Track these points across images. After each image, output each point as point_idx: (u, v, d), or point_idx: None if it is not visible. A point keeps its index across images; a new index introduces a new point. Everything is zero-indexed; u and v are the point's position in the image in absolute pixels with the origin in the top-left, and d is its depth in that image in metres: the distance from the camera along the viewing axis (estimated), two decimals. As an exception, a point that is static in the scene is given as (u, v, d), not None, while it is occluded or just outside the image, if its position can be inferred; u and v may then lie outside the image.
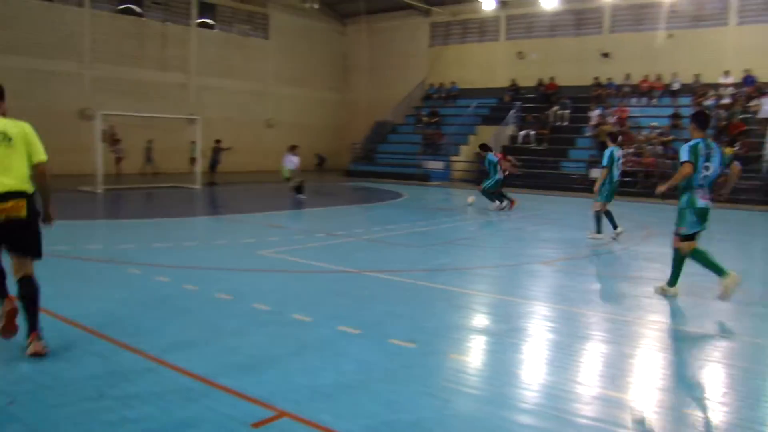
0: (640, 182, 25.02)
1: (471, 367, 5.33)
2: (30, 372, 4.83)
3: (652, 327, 6.73)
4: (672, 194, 7.83)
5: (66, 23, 28.21)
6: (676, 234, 7.82)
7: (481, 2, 33.41)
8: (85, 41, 28.90)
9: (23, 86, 26.51)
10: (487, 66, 35.27)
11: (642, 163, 25.29)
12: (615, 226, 12.81)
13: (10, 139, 5.72)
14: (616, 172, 12.65)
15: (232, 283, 8.02)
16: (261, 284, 8.07)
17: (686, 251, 7.74)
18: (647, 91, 29.38)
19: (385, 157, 33.41)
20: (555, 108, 30.93)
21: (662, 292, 8.00)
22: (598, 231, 12.80)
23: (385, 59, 38.71)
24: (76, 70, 28.68)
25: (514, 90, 33.63)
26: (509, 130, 31.88)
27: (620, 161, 12.77)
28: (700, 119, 7.89)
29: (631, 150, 25.97)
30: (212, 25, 34.28)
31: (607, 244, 12.28)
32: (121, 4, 30.36)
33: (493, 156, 18.69)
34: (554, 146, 29.38)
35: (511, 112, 31.86)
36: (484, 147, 19.69)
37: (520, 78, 33.65)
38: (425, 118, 34.52)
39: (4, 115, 6.09)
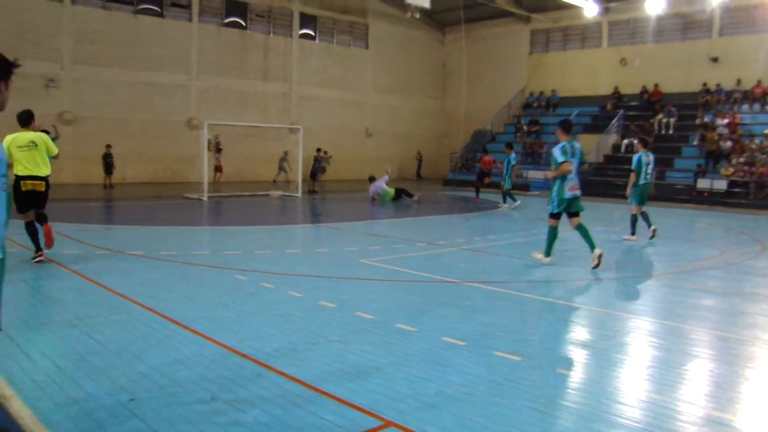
0: (752, 193, 23.93)
1: (576, 383, 5.19)
2: (149, 372, 5.01)
3: (771, 346, 6.40)
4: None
5: (176, 38, 29.41)
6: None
7: (582, 8, 32.77)
8: (193, 54, 30.01)
9: (136, 98, 27.86)
10: (588, 73, 34.56)
11: (754, 173, 24.15)
12: (649, 225, 13.74)
13: (36, 145, 9.71)
14: (643, 176, 13.65)
15: (334, 291, 8.11)
16: (363, 293, 8.13)
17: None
18: (761, 96, 28.05)
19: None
20: (660, 116, 29.96)
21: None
22: (633, 233, 13.80)
23: (485, 67, 38.50)
24: (184, 82, 29.81)
25: (617, 97, 32.84)
26: (612, 138, 31.11)
27: (649, 166, 13.76)
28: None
29: (742, 159, 24.90)
30: (313, 36, 34.95)
31: (718, 258, 11.78)
32: (227, 18, 31.35)
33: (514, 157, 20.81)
34: (659, 155, 28.40)
35: (614, 121, 31.05)
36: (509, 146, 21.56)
37: (623, 85, 32.83)
38: (525, 127, 34.11)
39: (33, 129, 9.87)
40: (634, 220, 13.89)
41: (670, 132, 29.42)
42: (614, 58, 33.56)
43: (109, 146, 24.88)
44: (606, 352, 5.94)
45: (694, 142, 27.51)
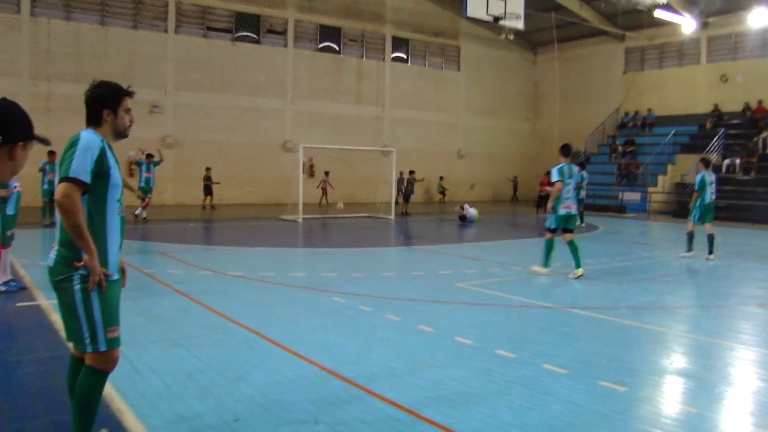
0: None
1: (684, 416, 4.97)
2: (252, 392, 5.12)
3: None
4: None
5: (272, 63, 30.26)
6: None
7: (680, 25, 31.90)
8: (288, 78, 30.77)
9: (233, 122, 28.78)
10: (686, 91, 33.53)
11: None
12: (690, 249, 14.30)
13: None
14: (708, 196, 13.88)
15: (432, 315, 8.09)
16: (461, 317, 8.08)
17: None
18: None
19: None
20: (764, 134, 28.72)
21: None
22: (689, 249, 14.25)
23: (578, 87, 37.93)
24: (280, 106, 30.56)
25: (717, 115, 31.69)
26: (712, 158, 30.03)
27: (713, 185, 14.05)
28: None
29: None
30: (405, 58, 35.28)
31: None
32: (321, 43, 32.02)
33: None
34: (763, 175, 27.27)
35: (714, 140, 29.97)
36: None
37: (723, 102, 31.68)
38: (620, 147, 33.35)
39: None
40: (691, 237, 14.34)
41: (776, 151, 28.20)
42: (714, 75, 32.47)
43: (208, 169, 25.72)
44: (714, 384, 5.70)
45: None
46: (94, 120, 3.84)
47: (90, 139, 3.68)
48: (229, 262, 12.49)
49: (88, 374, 3.78)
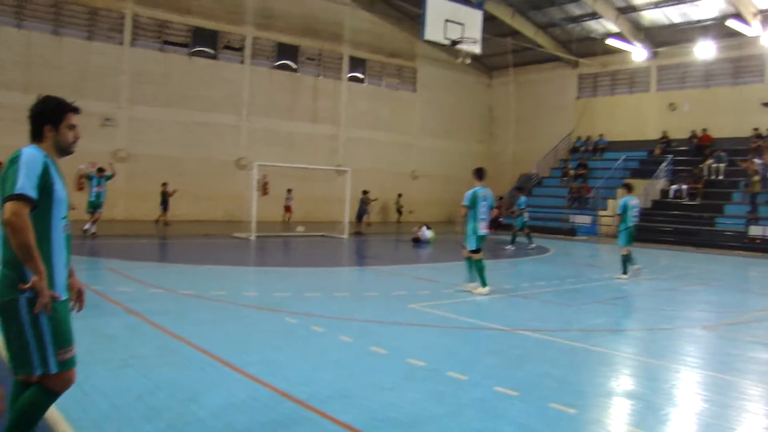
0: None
1: (636, 439, 5.09)
2: (204, 415, 5.05)
3: (836, 405, 6.20)
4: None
5: (228, 79, 30.15)
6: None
7: (631, 53, 32.74)
8: (244, 95, 30.67)
9: (188, 138, 28.56)
10: (636, 118, 34.35)
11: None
12: (633, 264, 14.82)
13: None
14: (630, 219, 14.57)
15: (385, 336, 8.11)
16: (414, 339, 8.11)
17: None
18: (814, 142, 27.51)
19: (530, 211, 32.90)
20: (709, 161, 29.55)
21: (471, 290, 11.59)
22: (624, 272, 14.71)
23: (532, 111, 38.56)
24: (235, 123, 30.42)
25: (666, 142, 32.51)
26: (660, 184, 30.77)
27: (635, 209, 14.84)
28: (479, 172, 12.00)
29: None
30: (362, 78, 35.44)
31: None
32: (278, 60, 32.01)
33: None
34: (708, 201, 28.02)
35: (662, 166, 30.72)
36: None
37: (671, 130, 32.55)
38: (572, 171, 33.93)
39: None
40: (625, 260, 14.76)
41: (720, 177, 28.98)
42: (663, 103, 33.31)
43: (165, 184, 25.44)
44: (661, 405, 5.82)
45: (743, 188, 26.99)
46: (36, 136, 3.75)
47: (32, 154, 3.58)
48: (181, 280, 12.35)
49: (39, 392, 3.69)
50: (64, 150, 3.86)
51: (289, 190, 29.34)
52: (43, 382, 3.67)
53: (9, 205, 3.40)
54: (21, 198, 3.41)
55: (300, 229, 23.50)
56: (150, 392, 5.54)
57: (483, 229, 11.70)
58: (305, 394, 5.63)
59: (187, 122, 28.89)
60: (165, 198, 25.38)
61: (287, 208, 29.21)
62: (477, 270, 11.73)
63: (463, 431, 4.94)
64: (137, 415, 4.98)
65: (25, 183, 3.45)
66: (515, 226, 23.26)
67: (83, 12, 26.48)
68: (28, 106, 3.84)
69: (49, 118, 3.76)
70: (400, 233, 25.44)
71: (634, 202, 14.92)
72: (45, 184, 3.59)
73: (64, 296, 3.77)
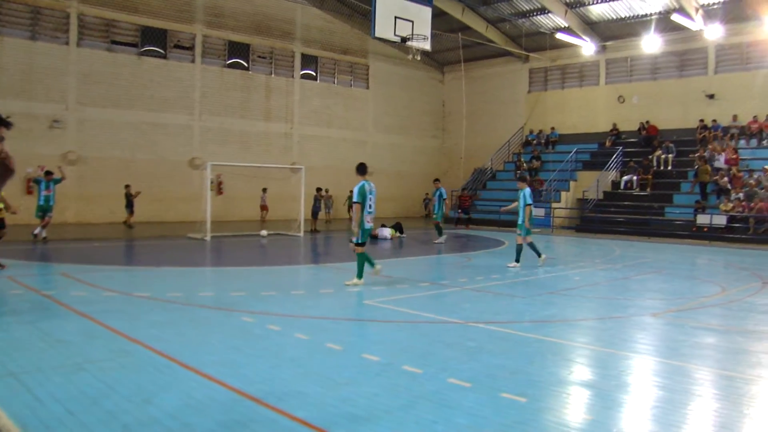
0: (752, 228, 24.07)
1: (583, 425, 5.21)
2: (160, 416, 5.06)
3: (776, 386, 6.46)
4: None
5: (179, 79, 29.84)
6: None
7: (580, 47, 33.28)
8: (196, 94, 30.40)
9: (140, 138, 28.24)
10: (587, 111, 34.98)
11: (753, 208, 24.30)
12: (539, 254, 15.86)
13: None
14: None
15: (340, 333, 8.18)
16: (369, 334, 8.20)
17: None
18: (757, 132, 28.31)
19: (484, 204, 33.35)
20: (658, 152, 30.21)
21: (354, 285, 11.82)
22: (517, 261, 15.52)
23: (484, 106, 38.94)
24: (187, 122, 30.13)
25: (616, 134, 33.13)
26: (611, 175, 31.35)
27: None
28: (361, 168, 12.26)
29: (741, 195, 25.07)
30: (314, 76, 35.38)
31: (720, 295, 11.87)
32: (230, 59, 31.79)
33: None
34: (658, 191, 28.66)
35: (613, 157, 31.31)
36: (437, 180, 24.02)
37: (621, 122, 33.20)
38: (525, 164, 34.36)
39: None
40: (520, 250, 15.71)
41: (669, 168, 29.66)
42: (612, 96, 33.97)
43: (127, 186, 25.20)
44: (610, 392, 6.00)
45: (691, 178, 27.64)
46: None
47: None
48: (136, 283, 12.24)
49: None
50: None
51: (264, 189, 29.06)
52: None
53: None
54: None
55: (264, 233, 23.29)
56: (105, 395, 5.52)
57: (369, 222, 12.16)
58: (262, 392, 5.67)
59: (139, 123, 28.54)
60: (129, 200, 25.10)
61: (263, 207, 29.05)
62: (360, 261, 12.20)
63: (418, 423, 5.03)
64: (93, 420, 4.97)
65: None
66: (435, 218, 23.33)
67: (25, 11, 25.92)
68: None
69: None
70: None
71: (530, 192, 15.71)
72: None
73: None
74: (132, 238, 21.34)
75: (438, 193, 22.78)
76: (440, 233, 22.38)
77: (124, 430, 4.78)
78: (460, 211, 31.92)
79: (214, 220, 22.51)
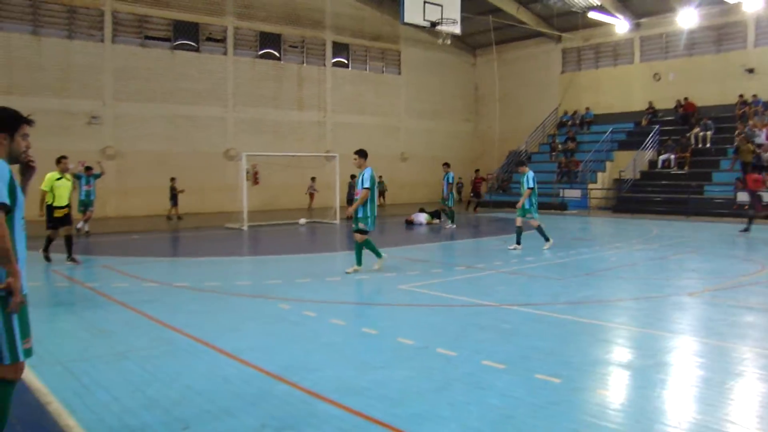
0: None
1: (618, 404, 5.25)
2: (200, 401, 5.20)
3: (814, 362, 6.39)
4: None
5: (212, 71, 30.11)
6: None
7: (613, 25, 32.82)
8: (229, 86, 30.65)
9: (175, 132, 28.56)
10: (622, 90, 34.49)
11: (795, 184, 23.81)
12: (518, 242, 15.39)
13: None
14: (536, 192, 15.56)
15: (375, 318, 8.28)
16: (404, 318, 8.28)
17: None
18: (800, 105, 27.68)
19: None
20: (696, 129, 29.70)
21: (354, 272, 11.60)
22: (547, 239, 15.47)
23: (517, 88, 38.65)
24: (221, 114, 30.41)
25: (652, 113, 32.64)
26: (648, 154, 30.95)
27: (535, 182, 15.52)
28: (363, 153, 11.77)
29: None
30: (346, 63, 35.44)
31: (759, 273, 11.72)
32: (261, 50, 31.98)
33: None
34: (697, 170, 28.21)
35: (650, 136, 30.89)
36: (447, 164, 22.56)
37: (657, 100, 32.67)
38: (560, 146, 34.08)
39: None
40: (541, 231, 15.62)
41: (708, 146, 29.16)
42: (647, 74, 33.44)
43: (173, 179, 25.81)
44: (647, 372, 6.00)
45: (731, 155, 27.16)
46: None
47: (2, 163, 3.77)
48: (175, 273, 12.49)
49: (4, 387, 3.88)
50: (15, 158, 4.02)
51: (313, 178, 29.72)
52: (3, 374, 3.84)
53: None
54: (1, 206, 3.65)
55: (302, 221, 23.47)
56: (147, 383, 5.69)
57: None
58: (298, 376, 5.79)
59: (173, 116, 28.90)
60: (174, 193, 25.68)
61: (311, 195, 29.68)
62: (359, 249, 11.98)
63: (451, 404, 5.10)
64: (136, 405, 5.14)
65: (2, 191, 3.66)
66: (446, 204, 22.21)
67: (62, 11, 26.38)
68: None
69: (5, 126, 3.92)
70: (391, 215, 25.55)
71: (533, 175, 15.53)
72: (11, 190, 3.78)
73: (25, 290, 3.93)
74: (170, 230, 21.68)
75: (446, 177, 22.13)
76: (452, 219, 21.93)
77: (165, 414, 4.93)
78: (472, 194, 31.81)
79: (251, 210, 22.75)
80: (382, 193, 27.59)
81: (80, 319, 8.17)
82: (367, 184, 11.55)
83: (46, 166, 12.13)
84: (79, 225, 19.43)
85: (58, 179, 13.60)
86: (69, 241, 13.37)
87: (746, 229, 18.74)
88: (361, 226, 11.77)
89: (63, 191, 13.54)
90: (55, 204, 13.34)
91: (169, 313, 8.49)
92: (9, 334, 3.78)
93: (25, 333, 3.88)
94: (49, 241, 13.47)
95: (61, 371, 6.00)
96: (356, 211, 11.69)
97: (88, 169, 19.98)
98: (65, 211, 13.51)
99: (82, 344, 7.00)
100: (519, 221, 15.61)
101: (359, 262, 11.94)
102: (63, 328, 7.82)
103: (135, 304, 9.07)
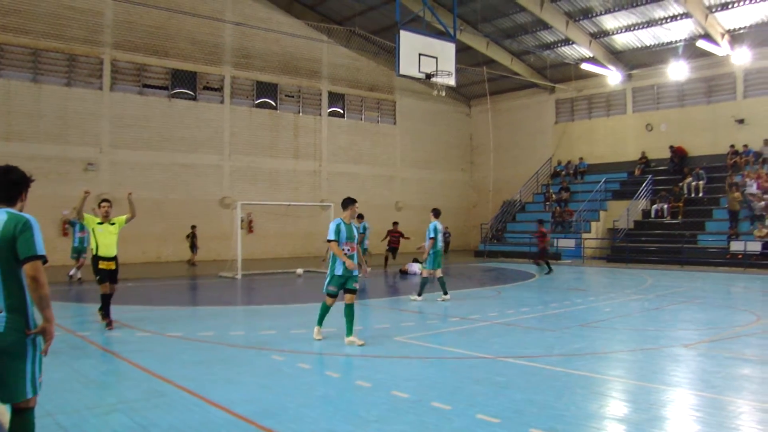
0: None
1: (615, 459, 5.22)
2: (190, 458, 5.15)
3: (810, 417, 6.37)
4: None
5: (209, 119, 30.41)
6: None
7: (606, 77, 33.32)
8: (225, 134, 30.92)
9: (171, 179, 28.68)
10: (615, 140, 34.88)
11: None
12: (445, 292, 15.50)
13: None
14: (438, 243, 15.36)
15: (369, 370, 8.22)
16: (398, 371, 8.23)
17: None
18: (790, 156, 27.99)
19: (514, 237, 33.28)
20: (689, 179, 29.97)
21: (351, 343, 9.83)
22: (420, 294, 15.38)
23: (512, 137, 39.04)
24: (217, 162, 30.59)
25: (645, 163, 32.96)
26: (641, 204, 31.13)
27: (442, 234, 15.60)
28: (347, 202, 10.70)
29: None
30: (342, 113, 35.80)
31: (755, 323, 11.71)
32: (258, 99, 32.31)
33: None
34: (690, 219, 28.37)
35: (643, 186, 31.12)
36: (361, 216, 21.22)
37: (650, 150, 33.05)
38: (553, 195, 34.28)
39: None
40: (424, 283, 15.58)
41: (700, 195, 29.39)
42: (640, 124, 33.85)
43: (193, 227, 26.77)
44: (642, 426, 5.96)
45: (724, 205, 27.34)
46: (13, 199, 4.33)
47: (35, 219, 4.19)
48: (168, 322, 12.41)
49: (30, 415, 4.30)
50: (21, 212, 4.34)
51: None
52: (31, 404, 4.31)
53: (34, 264, 4.09)
54: (42, 258, 4.13)
55: (299, 271, 23.29)
56: (138, 436, 5.63)
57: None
58: (291, 430, 5.73)
59: (170, 164, 29.05)
60: (193, 241, 26.69)
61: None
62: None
63: (446, 460, 5.05)
64: (126, 460, 5.07)
65: (41, 245, 4.15)
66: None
67: (62, 59, 26.72)
68: (9, 155, 4.36)
69: (25, 185, 4.42)
70: (389, 265, 25.49)
71: (441, 227, 15.62)
72: None
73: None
74: (164, 278, 21.61)
75: (363, 226, 21.63)
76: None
77: (157, 471, 4.87)
78: (388, 249, 26.72)
79: (245, 258, 22.71)
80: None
81: (71, 369, 8.09)
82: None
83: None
84: (72, 272, 19.37)
85: (100, 223, 12.44)
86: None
87: None
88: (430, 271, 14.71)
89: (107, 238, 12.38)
90: (100, 254, 12.13)
91: (161, 364, 8.43)
92: (33, 372, 4.24)
93: (42, 368, 4.35)
94: (104, 298, 11.82)
95: (49, 423, 5.92)
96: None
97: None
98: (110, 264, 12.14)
99: (73, 395, 6.93)
100: (425, 273, 15.81)
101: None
102: (53, 378, 7.72)
103: (127, 354, 9.01)
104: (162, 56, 29.25)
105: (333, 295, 10.17)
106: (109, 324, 11.40)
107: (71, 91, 26.82)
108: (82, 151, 26.54)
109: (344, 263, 9.99)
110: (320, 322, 10.33)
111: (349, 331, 9.97)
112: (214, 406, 6.53)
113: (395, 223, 26.66)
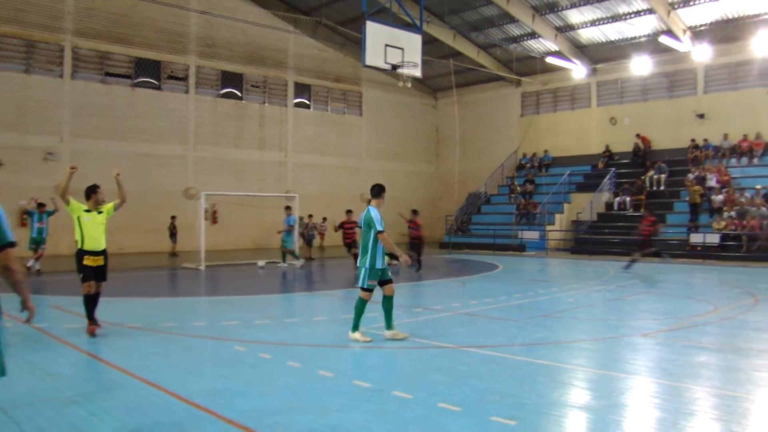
0: (745, 246, 24.17)
1: (574, 447, 5.26)
2: (148, 449, 5.08)
3: (765, 402, 6.48)
4: None
5: (173, 109, 30.01)
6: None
7: (571, 70, 33.57)
8: (190, 125, 30.57)
9: (134, 169, 28.21)
10: (579, 133, 35.17)
11: (745, 226, 24.42)
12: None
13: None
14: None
15: (332, 360, 8.19)
16: (361, 361, 8.21)
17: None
18: (747, 150, 28.52)
19: (479, 228, 33.46)
20: (651, 172, 30.38)
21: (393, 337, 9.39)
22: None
23: (477, 130, 39.15)
24: (182, 152, 30.26)
25: (608, 156, 33.31)
26: (604, 196, 31.46)
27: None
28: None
29: (733, 213, 25.20)
30: (308, 104, 35.60)
31: (712, 313, 11.90)
32: (223, 89, 32.00)
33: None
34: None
35: (606, 179, 31.46)
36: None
37: (613, 144, 33.39)
38: (518, 188, 34.50)
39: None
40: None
41: (662, 188, 29.80)
42: (604, 118, 34.17)
43: (173, 217, 27.41)
44: (602, 413, 6.02)
45: (685, 198, 27.75)
46: None
47: (0, 205, 4.28)
48: (129, 314, 12.23)
49: None
50: None
51: (324, 219, 30.89)
52: None
53: (6, 253, 4.30)
54: (13, 245, 4.31)
55: (261, 262, 23.16)
56: (96, 428, 5.54)
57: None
58: (253, 421, 5.67)
59: (133, 154, 28.64)
60: (173, 231, 27.37)
61: (322, 235, 30.90)
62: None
63: (407, 449, 5.04)
64: (82, 452, 4.98)
65: (9, 231, 4.27)
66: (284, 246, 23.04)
67: (20, 45, 26.15)
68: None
69: None
70: (347, 256, 25.40)
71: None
72: None
73: None
74: (127, 269, 21.32)
75: (288, 220, 22.98)
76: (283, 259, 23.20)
77: (113, 462, 4.79)
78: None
79: (209, 250, 22.51)
80: (309, 240, 27.86)
81: (26, 362, 7.93)
82: (379, 227, 9.61)
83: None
84: (30, 263, 19.02)
85: (86, 211, 10.58)
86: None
87: None
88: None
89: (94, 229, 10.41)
90: (86, 248, 10.11)
91: (120, 355, 8.31)
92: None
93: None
94: (86, 300, 10.02)
95: (2, 418, 5.78)
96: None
97: (41, 205, 19.67)
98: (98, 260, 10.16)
99: (27, 388, 6.77)
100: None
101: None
102: (9, 370, 7.56)
103: (85, 346, 8.86)
104: (125, 44, 28.78)
105: (371, 290, 9.41)
106: (94, 328, 9.76)
107: (30, 78, 26.26)
108: (41, 140, 26.04)
109: (384, 255, 9.36)
110: (358, 324, 9.34)
111: (390, 325, 9.47)
112: (173, 397, 6.44)
113: (349, 212, 23.30)
